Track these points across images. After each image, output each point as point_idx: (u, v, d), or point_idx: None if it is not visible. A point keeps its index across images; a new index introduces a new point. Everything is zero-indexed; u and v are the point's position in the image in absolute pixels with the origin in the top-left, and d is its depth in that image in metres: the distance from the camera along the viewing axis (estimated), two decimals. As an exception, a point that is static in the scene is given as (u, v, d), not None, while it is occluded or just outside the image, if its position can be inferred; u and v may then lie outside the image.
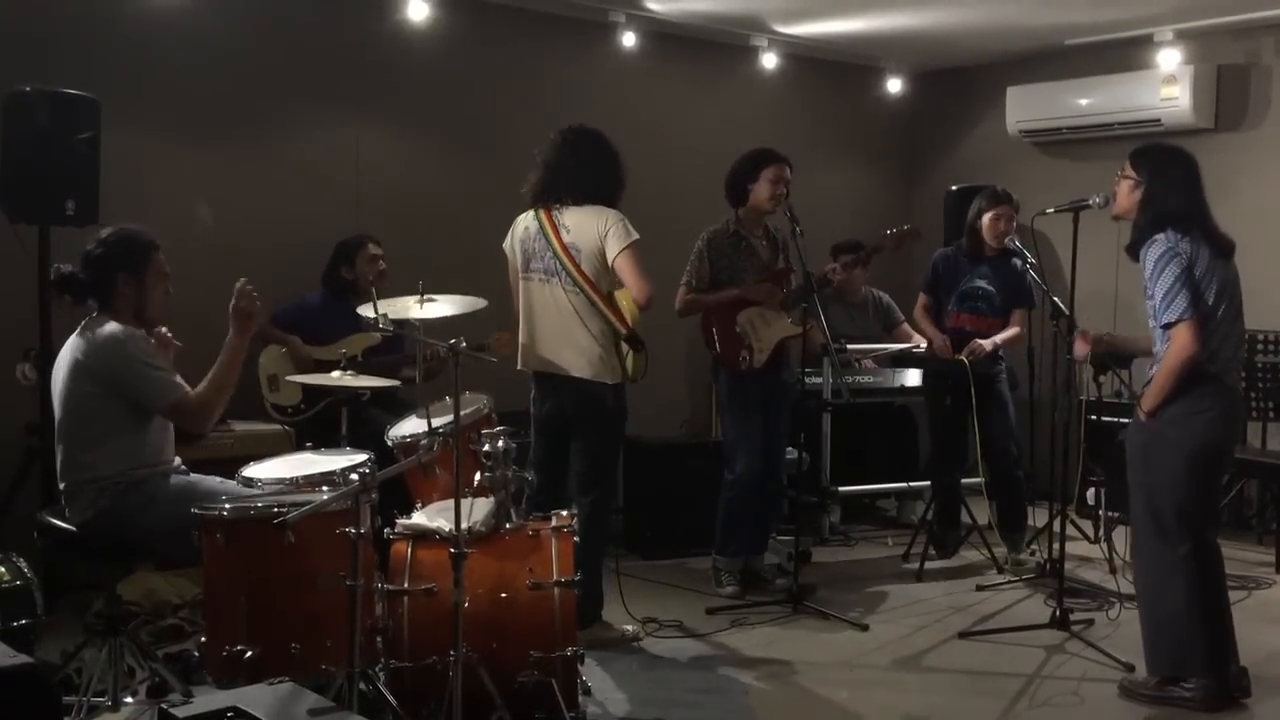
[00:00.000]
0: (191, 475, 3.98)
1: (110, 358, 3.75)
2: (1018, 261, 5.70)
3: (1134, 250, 4.13)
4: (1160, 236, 4.01)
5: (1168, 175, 4.09)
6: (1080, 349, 4.45)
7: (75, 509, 3.81)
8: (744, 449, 5.34)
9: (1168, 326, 3.97)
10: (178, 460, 4.01)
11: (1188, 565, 4.04)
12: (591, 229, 4.50)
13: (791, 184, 5.34)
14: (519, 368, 4.68)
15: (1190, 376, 3.98)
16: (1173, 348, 3.97)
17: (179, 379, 3.82)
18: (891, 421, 7.04)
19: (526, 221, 4.66)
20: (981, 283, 5.87)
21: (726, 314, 5.34)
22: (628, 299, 4.55)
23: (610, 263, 4.46)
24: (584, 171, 4.56)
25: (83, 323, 3.87)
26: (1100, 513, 6.11)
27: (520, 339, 4.68)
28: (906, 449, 7.09)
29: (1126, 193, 4.17)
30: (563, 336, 4.54)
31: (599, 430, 4.62)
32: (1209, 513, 4.16)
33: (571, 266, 4.50)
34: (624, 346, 4.56)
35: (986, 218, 5.78)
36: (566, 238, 4.52)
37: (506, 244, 4.73)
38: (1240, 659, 4.14)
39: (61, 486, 3.86)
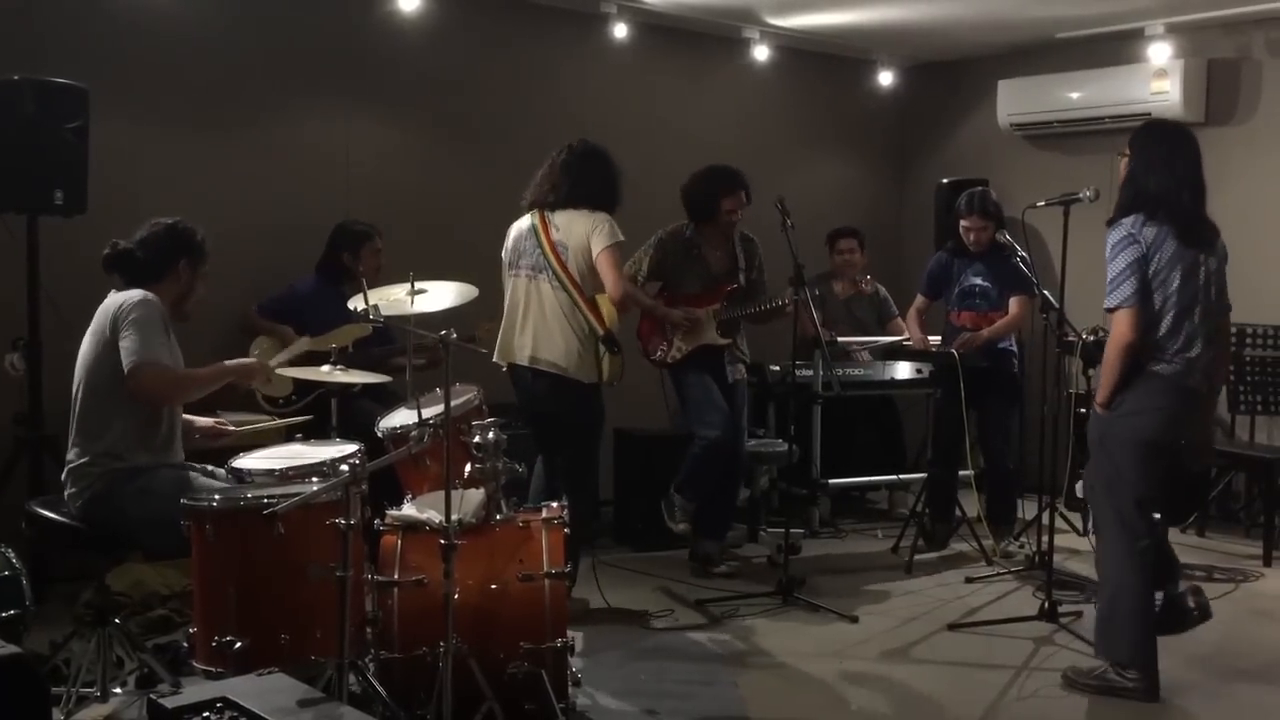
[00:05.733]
0: (189, 469, 3.96)
1: (119, 314, 3.75)
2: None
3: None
4: (1125, 221, 3.97)
5: (1149, 154, 4.04)
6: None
7: (73, 489, 3.81)
8: (713, 407, 5.37)
9: (1109, 311, 3.96)
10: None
11: (1145, 562, 4.04)
12: (580, 228, 4.63)
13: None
14: (494, 359, 4.73)
15: (1138, 369, 3.96)
16: (1111, 335, 3.99)
17: (167, 353, 3.77)
18: (881, 414, 7.05)
19: (521, 224, 4.80)
20: (977, 279, 5.92)
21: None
22: (607, 303, 4.66)
23: (594, 259, 4.57)
24: (583, 184, 4.70)
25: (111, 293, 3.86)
26: (1089, 505, 6.12)
27: (501, 333, 4.77)
28: (896, 441, 7.10)
29: (1123, 172, 4.13)
30: (544, 331, 4.66)
31: (576, 430, 4.72)
32: (1159, 508, 4.15)
33: (557, 264, 4.62)
34: (601, 348, 4.66)
35: (960, 223, 5.87)
36: (555, 235, 4.65)
37: (504, 249, 4.84)
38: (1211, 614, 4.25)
39: (67, 461, 3.86)
